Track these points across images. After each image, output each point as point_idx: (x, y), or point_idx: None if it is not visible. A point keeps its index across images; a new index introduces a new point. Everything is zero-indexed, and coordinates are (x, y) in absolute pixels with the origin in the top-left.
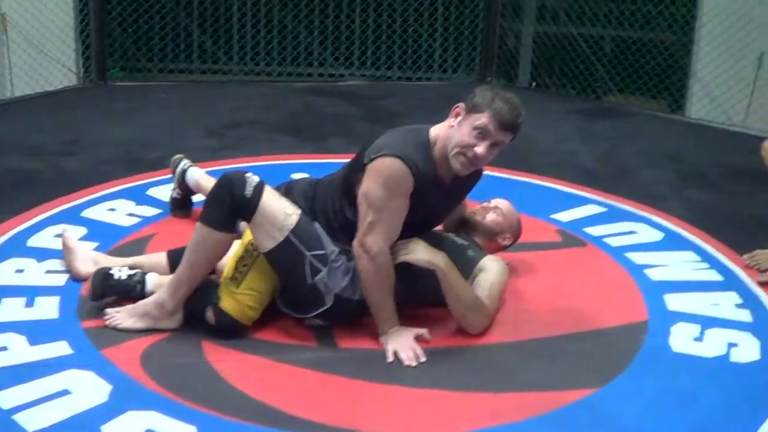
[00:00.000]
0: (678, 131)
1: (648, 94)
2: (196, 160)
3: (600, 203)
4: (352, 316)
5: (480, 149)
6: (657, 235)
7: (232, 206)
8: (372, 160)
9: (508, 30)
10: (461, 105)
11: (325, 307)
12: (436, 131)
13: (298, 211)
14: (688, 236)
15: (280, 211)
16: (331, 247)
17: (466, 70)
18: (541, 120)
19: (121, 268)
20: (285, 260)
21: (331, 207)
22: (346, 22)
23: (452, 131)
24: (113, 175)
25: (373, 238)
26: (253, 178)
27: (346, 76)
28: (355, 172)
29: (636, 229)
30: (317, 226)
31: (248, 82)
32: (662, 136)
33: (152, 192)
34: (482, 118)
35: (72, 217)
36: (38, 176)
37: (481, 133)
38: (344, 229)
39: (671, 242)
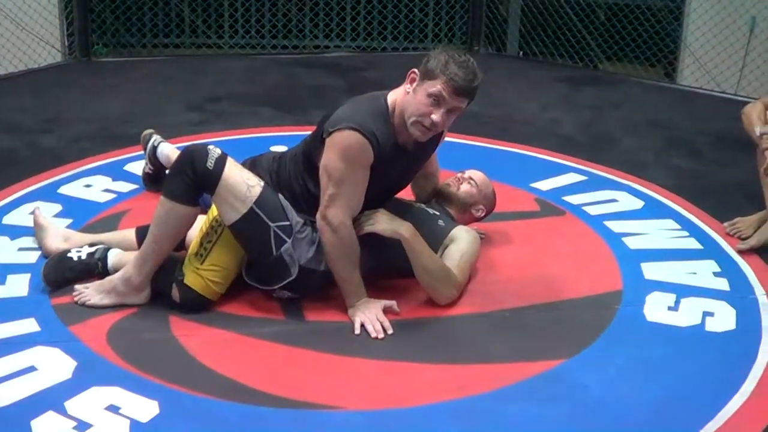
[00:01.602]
0: (667, 99)
1: (637, 61)
2: (177, 134)
3: (581, 171)
4: (318, 287)
5: (436, 116)
6: (637, 204)
7: (194, 179)
8: (330, 133)
9: None
10: (415, 70)
11: (290, 278)
12: (394, 97)
13: (262, 183)
14: (669, 204)
15: (242, 183)
16: (295, 218)
17: (453, 39)
18: (526, 89)
19: (80, 248)
20: (249, 232)
21: (295, 180)
22: None
23: (408, 98)
24: (91, 151)
25: (334, 211)
26: (215, 151)
27: (331, 48)
28: (315, 145)
29: (616, 198)
30: (281, 197)
31: (232, 55)
32: (650, 104)
33: (129, 167)
34: (436, 85)
35: (48, 194)
36: (15, 154)
37: (436, 100)
38: (308, 202)
39: (651, 210)
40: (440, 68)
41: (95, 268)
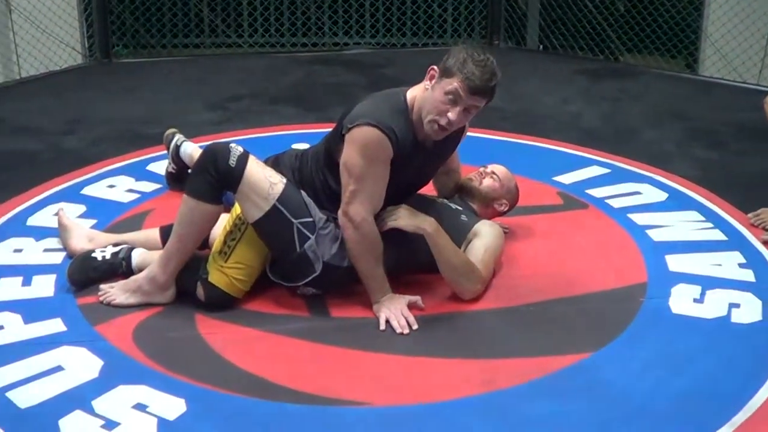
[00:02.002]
0: (688, 90)
1: (657, 53)
2: (198, 134)
3: (603, 164)
4: (342, 283)
5: (452, 115)
6: (661, 196)
7: (216, 177)
8: (349, 129)
9: None
10: (435, 67)
11: (314, 275)
12: (413, 93)
13: (284, 180)
14: (693, 196)
15: (265, 180)
16: (318, 215)
17: (472, 34)
18: (547, 82)
19: (104, 248)
20: (272, 229)
21: (316, 177)
22: None
23: (426, 95)
24: (114, 152)
25: (355, 208)
26: (237, 149)
27: (350, 45)
28: (335, 141)
29: (640, 190)
30: (304, 194)
31: (252, 54)
32: (671, 96)
33: (152, 167)
34: (453, 83)
35: (71, 195)
36: (38, 157)
37: (452, 99)
38: (330, 199)
39: (675, 202)
40: (458, 66)
41: (119, 268)
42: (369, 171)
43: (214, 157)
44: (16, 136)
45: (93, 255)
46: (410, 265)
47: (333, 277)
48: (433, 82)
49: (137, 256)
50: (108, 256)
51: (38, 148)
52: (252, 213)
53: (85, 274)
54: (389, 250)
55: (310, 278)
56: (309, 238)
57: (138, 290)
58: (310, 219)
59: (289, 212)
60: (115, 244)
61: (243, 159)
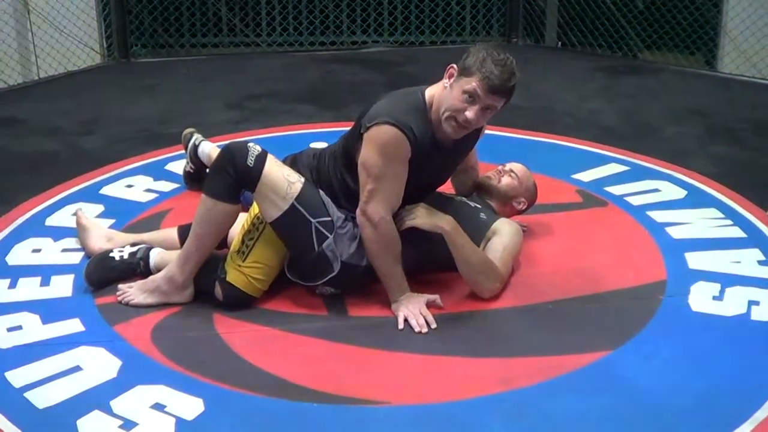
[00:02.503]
0: (707, 87)
1: (677, 49)
2: (217, 133)
3: (622, 162)
4: (360, 282)
5: (470, 114)
6: (680, 193)
7: (235, 176)
8: (368, 128)
9: None
10: (454, 66)
11: (332, 274)
12: (432, 92)
13: (302, 179)
14: (712, 193)
15: (282, 179)
16: (337, 214)
17: (491, 31)
18: (565, 80)
19: (122, 248)
20: (291, 229)
21: (334, 176)
22: None
23: (445, 93)
24: (132, 151)
25: (374, 207)
26: (255, 148)
27: (369, 43)
28: (353, 140)
29: (659, 187)
30: (322, 193)
31: (270, 53)
32: (690, 93)
33: (171, 167)
34: (472, 82)
35: (90, 195)
36: (57, 157)
37: (471, 98)
38: (348, 198)
39: (694, 199)
40: (477, 65)
41: (137, 268)
42: (387, 170)
43: (232, 156)
44: (34, 136)
45: (111, 255)
46: (428, 263)
47: (351, 277)
48: (452, 80)
49: (155, 256)
50: (126, 256)
51: (57, 148)
52: (270, 212)
53: (102, 274)
54: (407, 248)
55: (328, 278)
56: (327, 237)
57: (156, 290)
58: (329, 218)
59: (307, 211)
60: (133, 244)
61: (261, 158)
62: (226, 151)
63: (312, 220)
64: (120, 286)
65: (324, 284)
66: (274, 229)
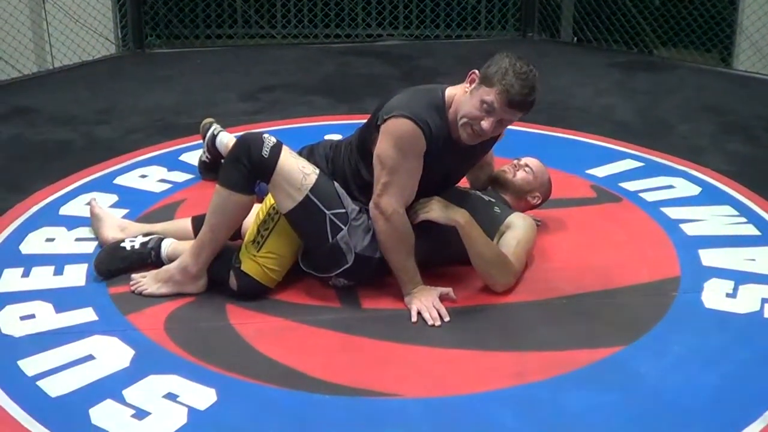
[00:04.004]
0: (723, 84)
1: (692, 46)
2: (231, 124)
3: (637, 158)
4: (374, 274)
5: (485, 124)
6: (694, 190)
7: (249, 167)
8: (385, 120)
9: None
10: (476, 72)
11: (346, 266)
12: (452, 92)
13: (317, 171)
14: (726, 190)
15: (298, 170)
16: (351, 206)
17: (506, 26)
18: (581, 75)
19: (133, 238)
20: (305, 220)
21: (349, 168)
22: None
23: (464, 99)
24: (146, 142)
25: (387, 199)
26: (270, 139)
27: (384, 36)
28: (369, 132)
29: (673, 184)
30: (337, 185)
31: (285, 45)
32: (706, 90)
33: (185, 157)
34: (491, 94)
35: (104, 184)
36: (71, 146)
37: (488, 109)
38: (362, 190)
39: (709, 196)
40: (498, 76)
41: (148, 258)
42: (402, 163)
43: (247, 147)
44: (49, 125)
45: (122, 245)
46: (442, 256)
47: (364, 269)
48: (473, 86)
49: (167, 246)
50: (137, 246)
51: (71, 138)
52: (285, 203)
53: (112, 264)
54: (421, 241)
55: (342, 269)
56: (341, 229)
57: (170, 280)
58: (343, 210)
59: (321, 203)
60: (146, 234)
61: (276, 149)
62: (241, 141)
63: (326, 211)
64: (133, 276)
65: (337, 276)
66: (289, 220)
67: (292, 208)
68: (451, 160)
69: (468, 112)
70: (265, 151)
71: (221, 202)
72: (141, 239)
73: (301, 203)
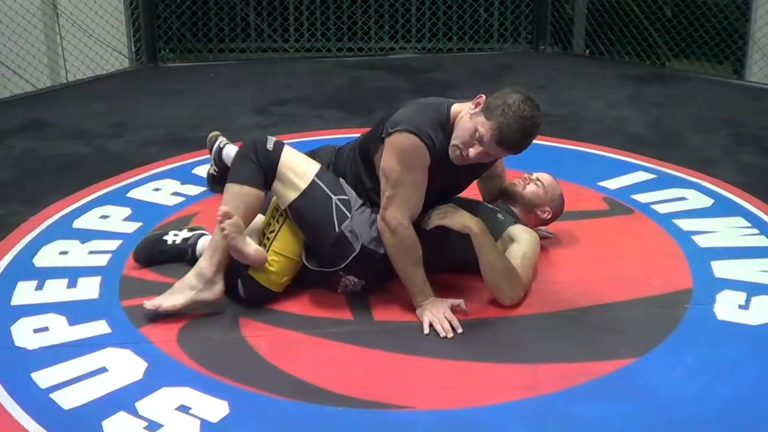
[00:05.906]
0: (735, 96)
1: (704, 58)
2: (244, 137)
3: (649, 170)
4: (379, 273)
5: (472, 151)
6: (707, 201)
7: (257, 160)
8: (390, 134)
9: None
10: (483, 97)
11: (354, 254)
12: (458, 109)
13: (319, 165)
14: (739, 202)
15: (302, 159)
16: (354, 196)
17: (519, 39)
18: (593, 87)
19: (177, 232)
20: (311, 209)
21: (349, 172)
22: None
23: (464, 120)
24: (160, 155)
25: (392, 212)
26: (273, 138)
27: (396, 50)
28: (373, 140)
29: (685, 196)
30: (339, 178)
31: (298, 58)
32: (718, 101)
33: (197, 171)
34: (485, 126)
35: (117, 198)
36: (85, 159)
37: (479, 138)
38: (361, 195)
39: (721, 208)
40: (499, 111)
41: (186, 254)
42: (406, 177)
43: (253, 144)
44: (62, 139)
45: (164, 237)
46: (446, 258)
47: (370, 264)
48: (476, 110)
49: (202, 243)
50: (178, 242)
51: (85, 152)
52: (289, 195)
53: (150, 254)
54: (427, 245)
55: (349, 259)
56: (347, 216)
57: (186, 287)
58: (347, 197)
59: (327, 187)
60: (190, 229)
61: (279, 144)
62: (247, 142)
63: (333, 196)
64: (145, 304)
65: (344, 269)
66: (294, 214)
67: (297, 196)
68: (454, 173)
69: (460, 135)
70: (270, 145)
71: (232, 197)
72: (184, 234)
73: (306, 191)
